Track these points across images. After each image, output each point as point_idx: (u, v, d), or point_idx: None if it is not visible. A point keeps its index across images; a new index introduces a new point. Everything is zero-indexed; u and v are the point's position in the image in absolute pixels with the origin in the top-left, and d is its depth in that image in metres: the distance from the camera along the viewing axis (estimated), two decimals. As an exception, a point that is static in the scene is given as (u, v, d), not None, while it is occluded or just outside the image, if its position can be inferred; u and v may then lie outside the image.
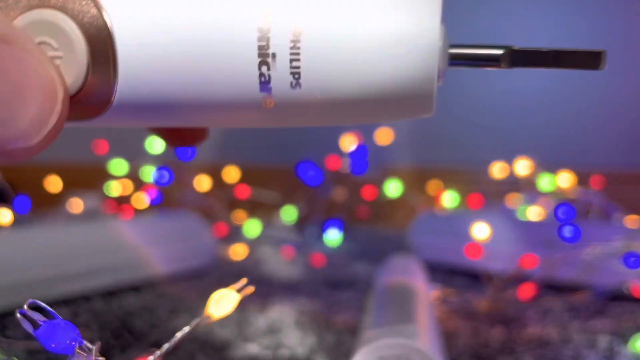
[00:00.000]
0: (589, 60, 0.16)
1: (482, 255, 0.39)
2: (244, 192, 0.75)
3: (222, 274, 0.50)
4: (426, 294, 0.32)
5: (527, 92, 0.78)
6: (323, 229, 0.75)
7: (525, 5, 0.77)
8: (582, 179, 0.72)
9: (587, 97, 0.75)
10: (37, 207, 1.01)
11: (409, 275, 0.34)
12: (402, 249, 0.62)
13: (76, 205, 0.81)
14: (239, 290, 0.13)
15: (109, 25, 0.14)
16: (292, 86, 0.14)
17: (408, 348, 0.21)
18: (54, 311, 0.10)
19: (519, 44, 0.18)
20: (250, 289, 0.14)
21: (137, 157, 0.99)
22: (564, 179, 0.63)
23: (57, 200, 0.96)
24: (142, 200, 0.83)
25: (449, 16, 0.16)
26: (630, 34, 0.72)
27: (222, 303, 0.13)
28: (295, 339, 0.32)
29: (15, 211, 0.66)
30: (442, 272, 0.51)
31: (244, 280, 0.14)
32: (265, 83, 0.14)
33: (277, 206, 0.85)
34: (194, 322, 0.13)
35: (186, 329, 0.13)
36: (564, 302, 0.39)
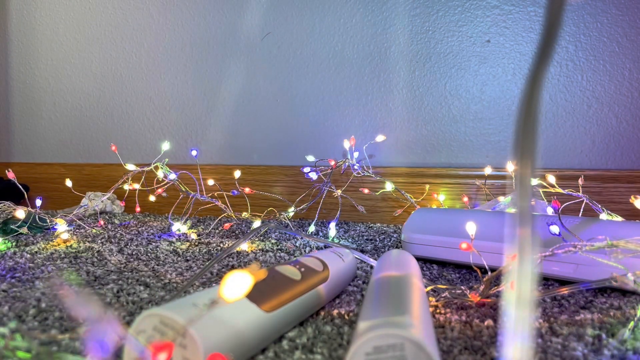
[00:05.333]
0: None
1: (473, 251, 0.40)
2: (249, 192, 0.76)
3: (226, 268, 0.51)
4: (420, 287, 0.32)
5: (516, 97, 0.79)
6: (321, 225, 0.76)
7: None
8: (570, 179, 0.74)
9: (572, 103, 0.76)
10: (56, 206, 1.01)
11: (404, 269, 0.35)
12: (397, 244, 0.64)
13: (92, 203, 0.81)
14: (251, 274, 0.13)
15: None
16: None
17: (402, 338, 0.22)
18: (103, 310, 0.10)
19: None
20: (264, 273, 0.14)
21: (146, 158, 0.99)
22: (552, 180, 0.64)
23: (73, 200, 0.97)
24: (152, 199, 0.84)
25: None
26: (597, 44, 0.74)
27: (236, 286, 0.13)
28: (296, 330, 0.33)
29: (29, 208, 0.67)
30: (434, 267, 0.52)
31: (256, 264, 0.14)
32: None
33: (280, 204, 0.86)
34: (209, 304, 0.13)
35: (203, 310, 0.13)
36: (552, 296, 0.40)
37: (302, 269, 0.36)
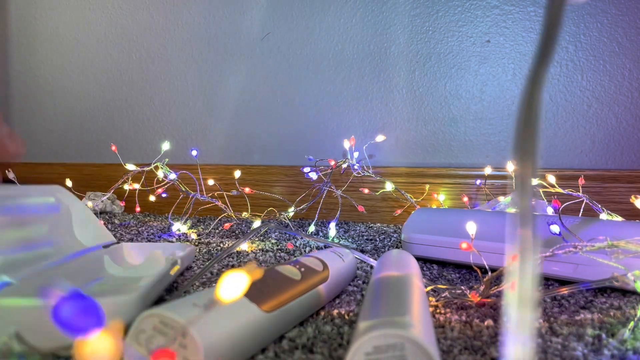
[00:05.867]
0: None
1: (473, 251, 0.40)
2: (249, 192, 0.76)
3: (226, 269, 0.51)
4: (420, 287, 0.32)
5: (517, 97, 0.79)
6: (321, 225, 0.76)
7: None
8: (570, 179, 0.74)
9: (572, 103, 0.76)
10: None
11: (404, 269, 0.35)
12: (397, 244, 0.63)
13: (92, 203, 0.81)
14: (248, 273, 0.13)
15: None
16: None
17: (402, 338, 0.22)
18: (81, 291, 0.10)
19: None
20: (260, 272, 0.14)
21: (146, 158, 0.99)
22: (552, 179, 0.64)
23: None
24: (151, 198, 0.84)
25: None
26: (597, 44, 0.74)
27: (232, 286, 0.13)
28: (296, 330, 0.33)
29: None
30: (434, 267, 0.52)
31: (253, 264, 0.14)
32: None
33: (280, 204, 0.86)
34: (207, 305, 0.13)
35: (200, 309, 0.13)
36: (552, 296, 0.40)
37: (302, 269, 0.36)
